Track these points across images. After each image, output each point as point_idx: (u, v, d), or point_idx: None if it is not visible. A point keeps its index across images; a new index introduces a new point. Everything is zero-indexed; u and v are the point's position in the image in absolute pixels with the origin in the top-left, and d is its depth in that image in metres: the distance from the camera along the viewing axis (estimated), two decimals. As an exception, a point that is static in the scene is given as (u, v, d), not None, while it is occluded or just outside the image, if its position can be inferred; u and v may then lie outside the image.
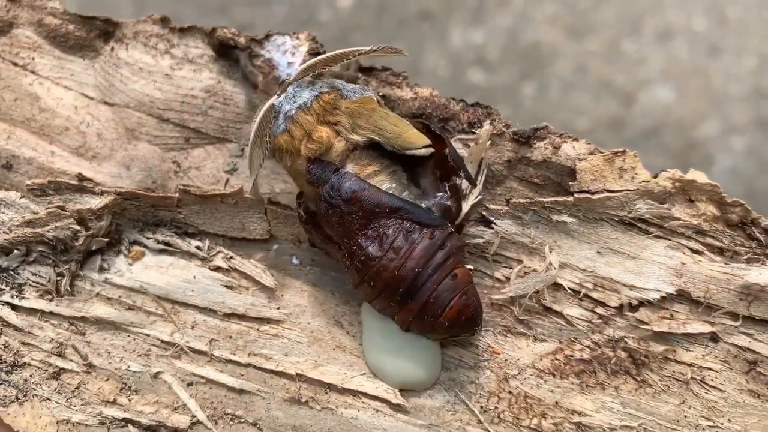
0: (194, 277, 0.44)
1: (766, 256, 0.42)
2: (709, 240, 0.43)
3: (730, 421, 0.41)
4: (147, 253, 0.45)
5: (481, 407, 0.42)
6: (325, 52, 0.46)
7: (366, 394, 0.42)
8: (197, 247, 0.45)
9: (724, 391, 0.42)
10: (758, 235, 0.43)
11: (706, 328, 0.42)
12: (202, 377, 0.43)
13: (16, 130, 0.47)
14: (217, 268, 0.44)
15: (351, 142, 0.40)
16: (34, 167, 0.46)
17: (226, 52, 0.46)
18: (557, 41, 1.07)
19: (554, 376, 0.43)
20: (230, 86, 0.47)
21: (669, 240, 0.43)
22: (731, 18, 1.07)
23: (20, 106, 0.47)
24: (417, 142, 0.40)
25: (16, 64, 0.48)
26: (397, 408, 0.42)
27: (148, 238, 0.45)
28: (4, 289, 0.44)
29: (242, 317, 0.44)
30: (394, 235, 0.39)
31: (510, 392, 0.42)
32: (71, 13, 0.47)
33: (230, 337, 0.43)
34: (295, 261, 0.45)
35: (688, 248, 0.43)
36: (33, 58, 0.48)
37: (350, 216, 0.39)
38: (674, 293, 0.43)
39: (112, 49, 0.47)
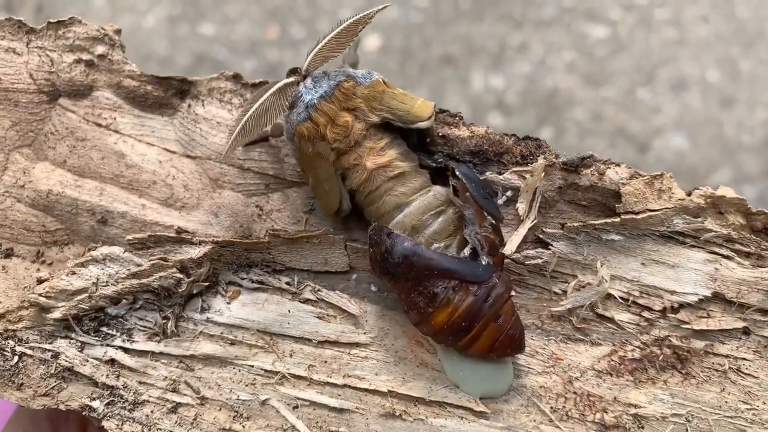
0: (289, 311, 0.49)
1: (788, 257, 0.49)
2: (737, 246, 0.49)
3: (764, 403, 0.48)
4: (243, 291, 0.50)
5: (551, 408, 0.48)
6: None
7: (451, 404, 0.48)
8: (287, 283, 0.50)
9: (757, 377, 0.49)
10: (780, 238, 0.49)
11: (739, 324, 0.49)
12: (305, 400, 0.48)
13: (107, 186, 0.51)
14: (307, 300, 0.50)
15: (368, 122, 0.46)
16: (128, 220, 0.50)
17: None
18: (575, 88, 1.11)
19: (611, 375, 0.49)
20: (302, 134, 0.51)
21: (703, 248, 0.49)
22: (744, 71, 1.12)
23: (108, 163, 0.51)
24: (423, 114, 0.46)
25: (99, 125, 0.51)
26: (480, 414, 0.48)
27: (242, 279, 0.49)
28: (115, 335, 0.49)
29: (334, 343, 0.49)
30: (443, 295, 0.44)
31: (575, 392, 0.49)
32: (148, 75, 0.51)
33: (325, 362, 0.49)
34: (373, 288, 0.51)
35: (721, 255, 0.49)
36: (115, 118, 0.52)
37: (402, 277, 0.44)
38: (710, 295, 0.49)
39: (189, 105, 0.51)
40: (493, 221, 0.46)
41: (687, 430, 0.48)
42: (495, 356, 0.46)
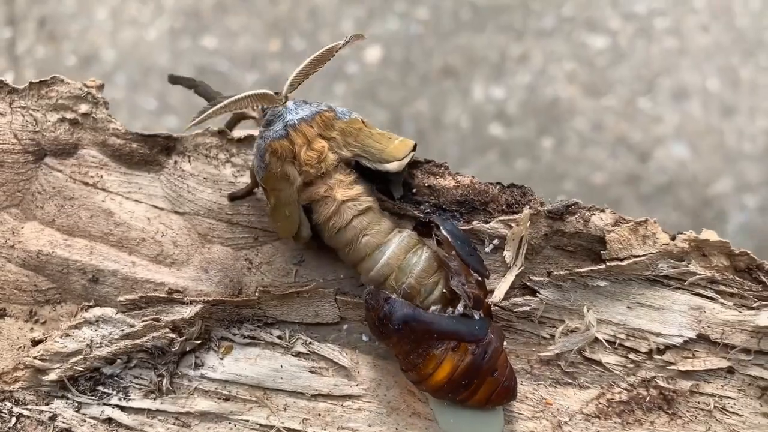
0: (281, 366, 0.50)
1: (771, 297, 0.50)
2: (721, 287, 0.50)
3: (748, 441, 0.49)
4: (235, 347, 0.50)
5: (542, 452, 0.49)
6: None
7: (444, 453, 0.49)
8: (279, 337, 0.50)
9: (741, 415, 0.50)
10: (763, 278, 0.50)
11: (724, 363, 0.50)
12: (301, 453, 0.49)
13: (97, 245, 0.51)
14: (299, 354, 0.50)
15: (341, 156, 0.47)
16: (119, 278, 0.51)
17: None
18: (575, 98, 1.10)
19: (599, 418, 0.50)
20: (289, 187, 0.51)
21: (688, 291, 0.50)
22: (744, 79, 1.11)
23: (96, 222, 0.51)
24: (398, 154, 0.47)
25: (86, 183, 0.52)
26: (472, 462, 0.49)
27: (234, 334, 0.50)
28: (111, 394, 0.49)
29: (327, 396, 0.50)
30: (442, 356, 0.45)
31: (564, 436, 0.50)
32: (132, 132, 0.51)
33: (319, 414, 0.50)
34: (364, 338, 0.51)
35: (705, 296, 0.50)
36: (101, 176, 0.52)
37: (401, 341, 0.45)
38: (695, 337, 0.50)
39: (175, 162, 0.52)
40: (479, 278, 0.46)
41: (674, 470, 0.49)
42: (491, 405, 0.47)
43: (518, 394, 0.50)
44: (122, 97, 1.19)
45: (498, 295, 0.50)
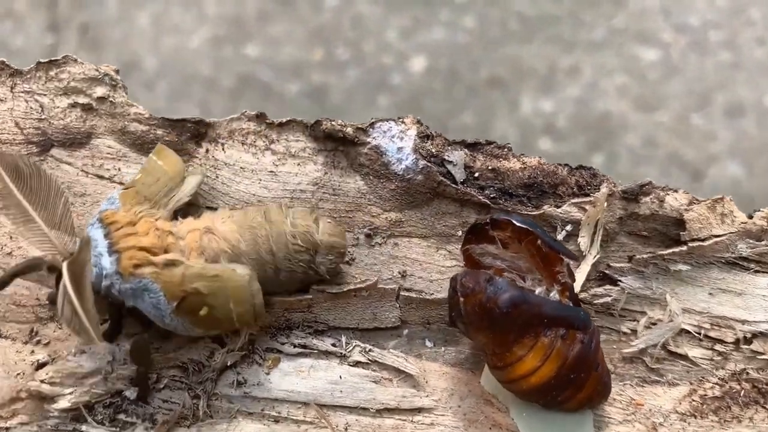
0: (340, 377, 0.43)
1: None
2: (803, 268, 0.47)
3: None
4: (283, 359, 0.43)
5: (639, 459, 0.44)
6: (432, 134, 0.46)
7: (533, 467, 0.43)
8: (333, 345, 0.43)
9: (841, 404, 0.46)
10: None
11: (815, 349, 0.46)
12: (369, 480, 0.42)
13: (114, 247, 0.43)
14: (357, 363, 0.43)
15: (163, 217, 0.41)
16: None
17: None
18: (627, 113, 1.08)
19: (695, 417, 0.45)
20: (337, 176, 0.46)
21: (768, 273, 0.47)
22: None
23: (113, 221, 0.44)
24: (178, 170, 0.43)
25: (102, 177, 0.45)
26: (566, 475, 0.43)
27: (282, 344, 0.43)
28: (136, 423, 0.41)
29: (394, 410, 0.43)
30: (551, 345, 0.39)
31: (661, 440, 0.44)
32: (157, 117, 0.45)
33: (386, 432, 0.43)
34: (428, 344, 0.45)
35: (787, 279, 0.47)
36: (119, 169, 0.45)
37: (505, 328, 0.39)
38: (783, 322, 0.46)
39: (207, 151, 0.45)
40: (569, 262, 0.42)
41: (782, 470, 0.44)
42: (589, 406, 0.41)
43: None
44: (163, 106, 1.12)
45: (576, 286, 0.45)
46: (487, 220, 0.42)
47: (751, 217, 0.47)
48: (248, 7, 1.19)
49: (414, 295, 0.44)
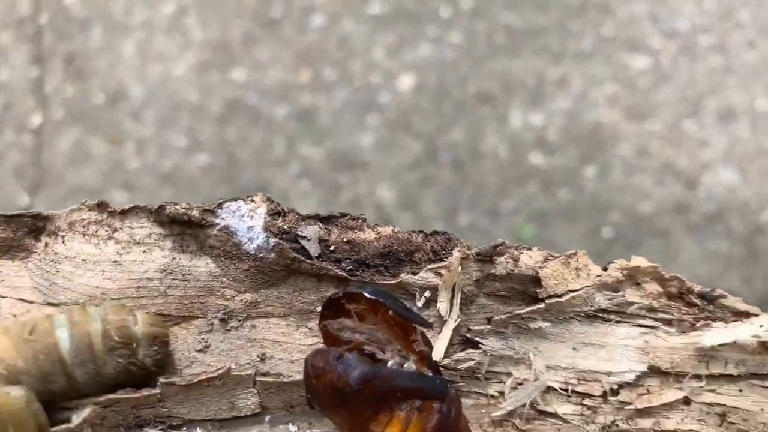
0: (196, 475, 0.41)
1: (707, 318, 0.48)
2: (660, 315, 0.48)
3: (724, 473, 0.46)
4: (135, 460, 0.41)
5: None
6: (283, 211, 0.45)
7: None
8: (189, 440, 0.41)
9: (708, 447, 0.46)
10: (695, 300, 0.49)
11: (680, 394, 0.47)
12: None
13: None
14: (216, 457, 0.41)
15: None
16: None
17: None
18: (618, 123, 1.06)
19: (569, 476, 0.44)
20: (187, 260, 0.44)
21: (629, 323, 0.48)
22: None
23: (-56, 328, 0.41)
24: None
25: (-71, 283, 0.42)
26: None
27: (133, 444, 0.41)
28: None
29: (257, 503, 0.41)
30: (408, 419, 0.38)
31: (536, 504, 0.44)
32: (-9, 214, 0.43)
33: None
34: (292, 428, 0.44)
35: (646, 326, 0.48)
36: (-51, 272, 0.42)
37: (360, 406, 0.38)
38: (646, 369, 0.47)
39: (46, 245, 0.43)
40: (423, 331, 0.41)
41: None
42: None
43: (477, 463, 0.44)
44: (151, 134, 1.08)
45: (438, 354, 0.45)
46: (341, 294, 0.41)
47: (605, 269, 0.48)
48: (233, 32, 1.19)
49: (272, 379, 0.43)
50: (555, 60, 1.14)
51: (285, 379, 0.43)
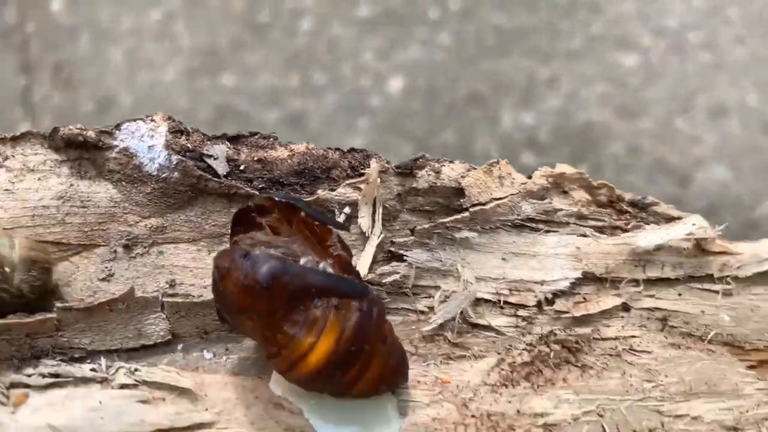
0: (100, 402, 0.37)
1: (641, 222, 0.47)
2: (591, 222, 0.46)
3: (666, 376, 0.44)
4: (32, 393, 0.37)
5: (452, 441, 0.40)
6: (186, 130, 0.43)
7: (334, 468, 0.38)
8: (92, 370, 0.38)
9: (651, 351, 0.44)
10: (626, 207, 0.47)
11: (617, 301, 0.45)
12: None
13: None
14: (123, 386, 0.38)
15: None
16: None
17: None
18: (609, 121, 1.05)
19: (506, 386, 0.42)
20: (85, 187, 0.42)
21: (558, 232, 0.46)
22: None
23: None
24: None
25: None
26: (372, 470, 0.38)
27: (29, 376, 0.37)
28: None
29: (169, 431, 0.38)
30: (325, 317, 0.36)
31: (473, 416, 0.41)
32: None
33: (161, 457, 0.37)
34: (207, 355, 0.41)
35: (577, 234, 0.46)
36: None
37: (272, 304, 0.35)
38: (581, 276, 0.45)
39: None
40: (340, 234, 0.39)
41: (603, 426, 0.42)
42: (384, 388, 0.38)
43: (409, 378, 0.41)
44: None
45: (362, 270, 0.42)
46: (250, 204, 0.39)
47: (530, 177, 0.46)
48: (222, 37, 1.18)
49: (181, 300, 0.40)
50: (545, 60, 1.14)
51: (195, 299, 0.40)
